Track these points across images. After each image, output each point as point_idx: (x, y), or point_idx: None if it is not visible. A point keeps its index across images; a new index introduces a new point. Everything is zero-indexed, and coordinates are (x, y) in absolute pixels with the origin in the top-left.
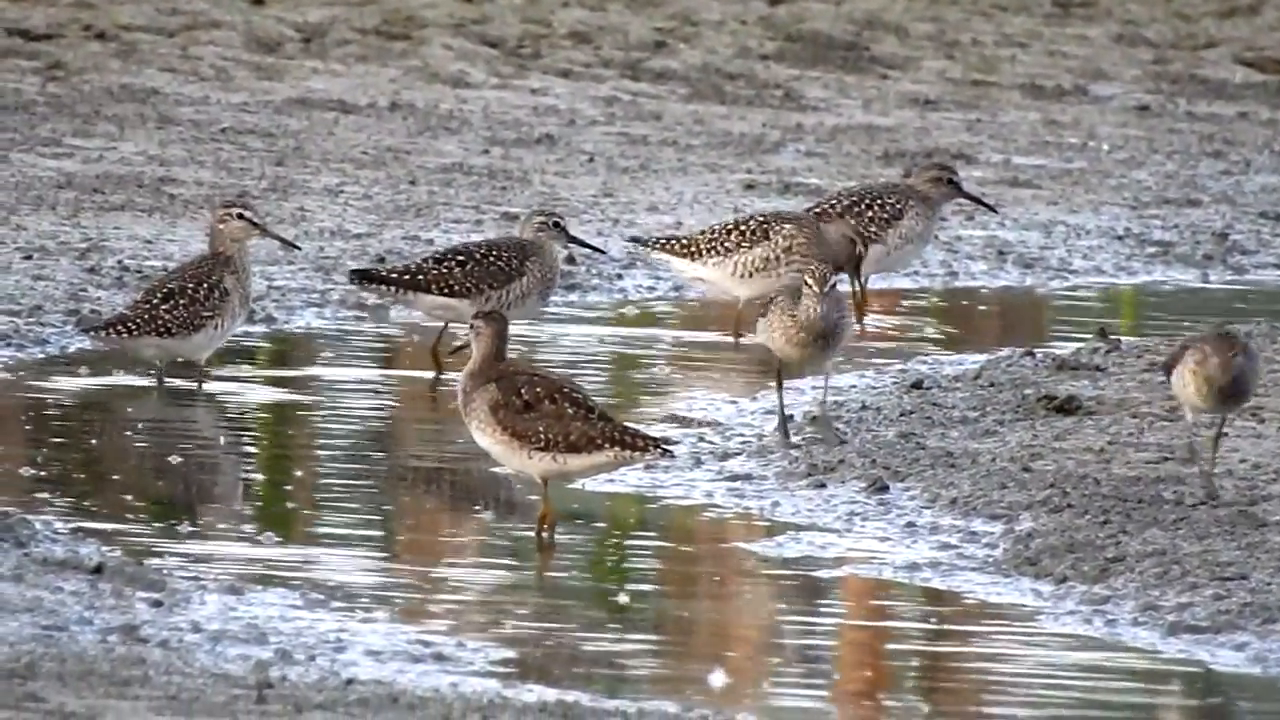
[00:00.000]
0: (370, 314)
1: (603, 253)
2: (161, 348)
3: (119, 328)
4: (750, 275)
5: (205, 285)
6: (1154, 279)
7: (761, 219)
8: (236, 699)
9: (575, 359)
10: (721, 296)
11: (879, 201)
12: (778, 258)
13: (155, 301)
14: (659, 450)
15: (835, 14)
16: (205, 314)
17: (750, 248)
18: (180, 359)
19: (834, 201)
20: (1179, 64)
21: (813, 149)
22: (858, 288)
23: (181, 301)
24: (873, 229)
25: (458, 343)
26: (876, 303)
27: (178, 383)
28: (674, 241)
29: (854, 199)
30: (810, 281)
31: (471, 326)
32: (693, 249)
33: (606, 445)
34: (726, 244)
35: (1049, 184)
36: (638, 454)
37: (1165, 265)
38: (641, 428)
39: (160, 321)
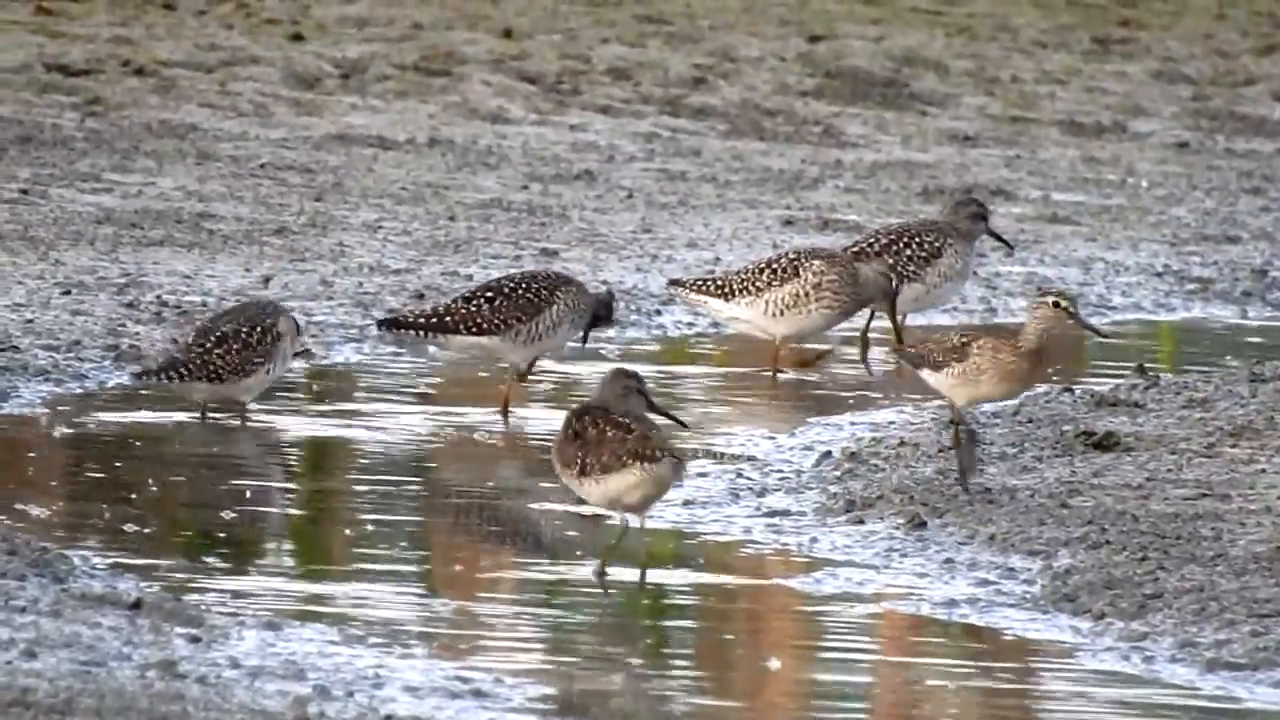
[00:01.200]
0: (409, 349)
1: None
2: (213, 392)
3: (170, 373)
4: (782, 313)
5: (259, 328)
6: (1193, 315)
7: (793, 256)
8: None
9: None
10: (759, 335)
11: (917, 240)
12: (808, 294)
13: (209, 345)
14: (672, 459)
15: (874, 50)
16: (256, 359)
17: (781, 285)
18: (227, 400)
19: (872, 240)
20: (1218, 100)
21: (852, 185)
22: (894, 326)
23: (235, 346)
24: (911, 268)
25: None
26: (914, 339)
27: (216, 417)
28: (709, 283)
29: (892, 238)
30: (1063, 304)
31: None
32: (726, 289)
33: (631, 461)
34: (758, 283)
35: (1088, 220)
36: (653, 465)
37: (1204, 302)
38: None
39: (212, 367)
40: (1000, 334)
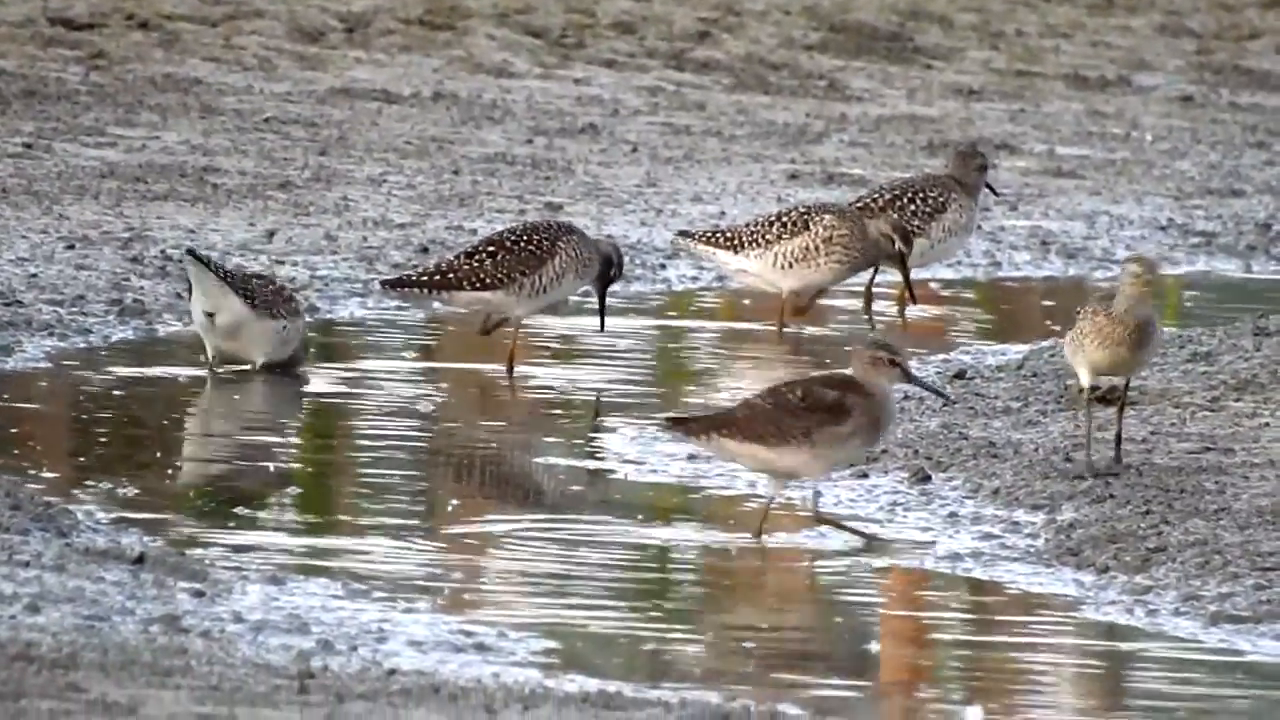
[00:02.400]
0: (413, 303)
1: None
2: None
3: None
4: (791, 265)
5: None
6: (1197, 269)
7: (803, 210)
8: (278, 689)
9: (619, 350)
10: (766, 288)
11: (921, 195)
12: (818, 248)
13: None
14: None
15: (879, 4)
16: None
17: (790, 238)
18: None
19: (876, 195)
20: (1222, 54)
21: (856, 139)
22: (903, 282)
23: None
24: (916, 223)
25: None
26: (918, 293)
27: (218, 373)
28: (718, 235)
29: (896, 193)
30: (1135, 270)
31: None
32: (735, 241)
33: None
34: (768, 235)
35: (1092, 174)
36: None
37: (1209, 255)
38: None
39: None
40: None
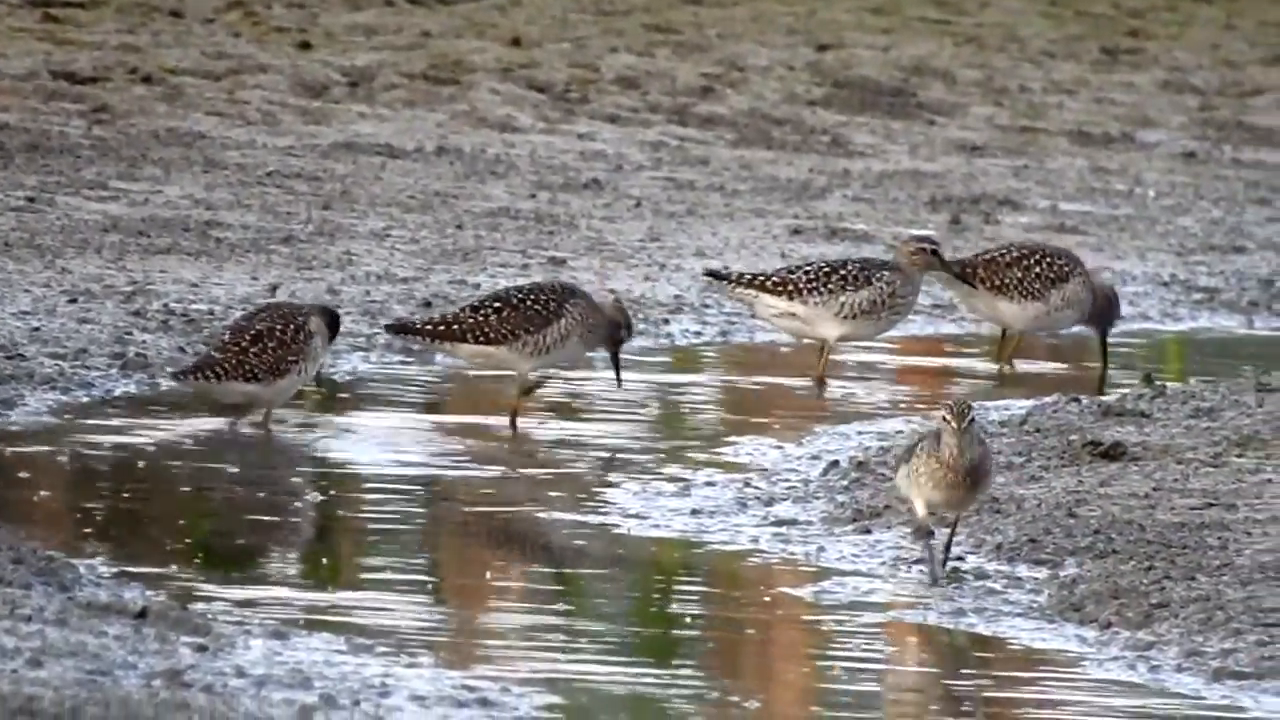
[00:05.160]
0: (416, 358)
1: None
2: (247, 394)
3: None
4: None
5: (292, 327)
6: (1200, 325)
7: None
8: None
9: (621, 404)
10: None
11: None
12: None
13: (244, 344)
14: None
15: (883, 60)
16: (291, 359)
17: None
18: (262, 406)
19: (804, 271)
20: (1225, 111)
21: (859, 194)
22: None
23: (270, 345)
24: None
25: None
26: (920, 347)
27: (212, 425)
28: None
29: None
30: (948, 418)
31: None
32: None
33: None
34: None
35: (1095, 230)
36: None
37: (1211, 311)
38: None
39: (248, 366)
40: None
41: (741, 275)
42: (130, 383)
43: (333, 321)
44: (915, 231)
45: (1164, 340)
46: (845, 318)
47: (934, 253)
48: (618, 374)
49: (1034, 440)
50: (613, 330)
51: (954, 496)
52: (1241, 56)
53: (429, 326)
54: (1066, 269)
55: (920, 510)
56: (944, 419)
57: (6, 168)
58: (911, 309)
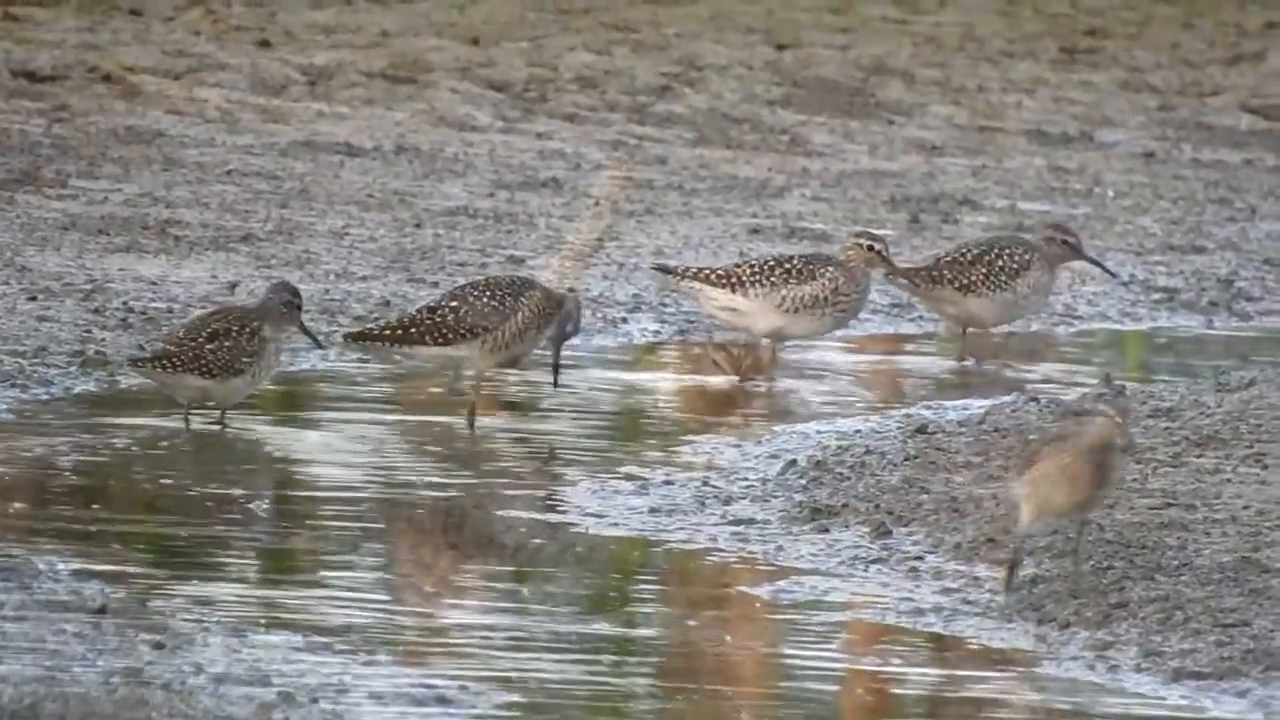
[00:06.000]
0: (374, 356)
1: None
2: (201, 389)
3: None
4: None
5: (248, 330)
6: (1159, 325)
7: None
8: None
9: (580, 403)
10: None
11: (791, 266)
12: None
13: (200, 341)
14: None
15: (841, 59)
16: (245, 359)
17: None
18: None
19: (749, 265)
20: (1184, 111)
21: (818, 194)
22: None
23: (225, 344)
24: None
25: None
26: (880, 346)
27: (171, 423)
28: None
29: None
30: (1112, 414)
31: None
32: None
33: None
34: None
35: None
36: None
37: (1170, 311)
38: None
39: (203, 362)
40: None
41: (687, 269)
42: (90, 380)
43: (292, 296)
44: (859, 228)
45: (1123, 340)
46: (786, 311)
47: (873, 249)
48: (556, 373)
49: (992, 440)
50: (564, 324)
51: (1087, 497)
52: (1200, 56)
53: (387, 332)
54: (1026, 257)
55: (1028, 519)
56: (1106, 414)
57: None
58: (861, 307)
